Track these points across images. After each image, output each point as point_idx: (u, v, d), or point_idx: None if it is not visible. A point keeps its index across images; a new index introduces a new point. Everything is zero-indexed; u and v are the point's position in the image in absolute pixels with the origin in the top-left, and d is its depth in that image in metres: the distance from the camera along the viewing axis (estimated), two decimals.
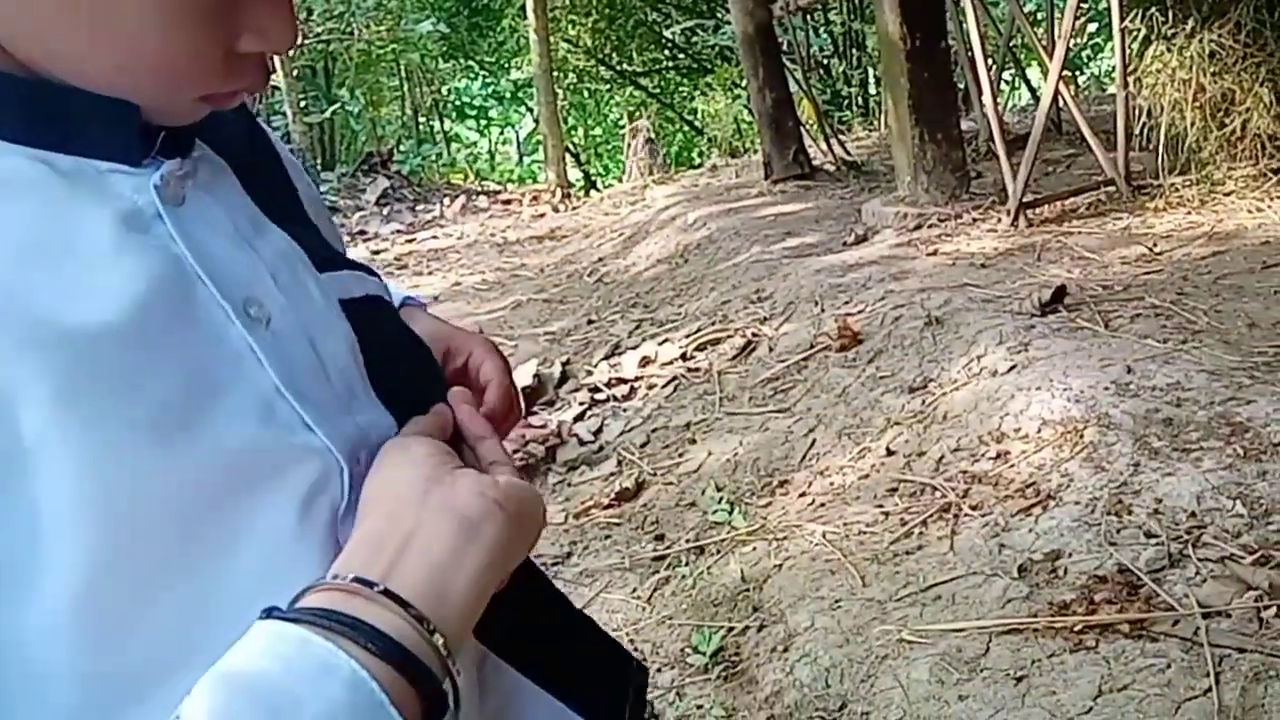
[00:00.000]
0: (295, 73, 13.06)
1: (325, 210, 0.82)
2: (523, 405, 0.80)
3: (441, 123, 20.38)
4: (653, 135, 12.47)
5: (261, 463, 0.55)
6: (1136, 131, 5.24)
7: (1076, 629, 2.02)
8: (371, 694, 0.46)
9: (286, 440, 0.56)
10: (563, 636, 0.81)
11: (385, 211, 12.24)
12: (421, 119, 19.33)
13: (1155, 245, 4.26)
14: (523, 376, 4.62)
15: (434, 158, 16.60)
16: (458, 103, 21.11)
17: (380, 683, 0.47)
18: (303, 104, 13.14)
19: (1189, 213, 4.68)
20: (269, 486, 0.54)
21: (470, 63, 19.27)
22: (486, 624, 0.58)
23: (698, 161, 13.27)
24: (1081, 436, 2.66)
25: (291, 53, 13.04)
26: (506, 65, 19.38)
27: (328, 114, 13.87)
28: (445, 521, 0.54)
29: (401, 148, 15.72)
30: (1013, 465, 2.71)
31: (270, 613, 0.49)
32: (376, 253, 9.62)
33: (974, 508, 2.60)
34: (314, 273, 0.66)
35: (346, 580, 0.50)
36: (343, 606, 0.49)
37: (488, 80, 20.61)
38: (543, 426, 4.15)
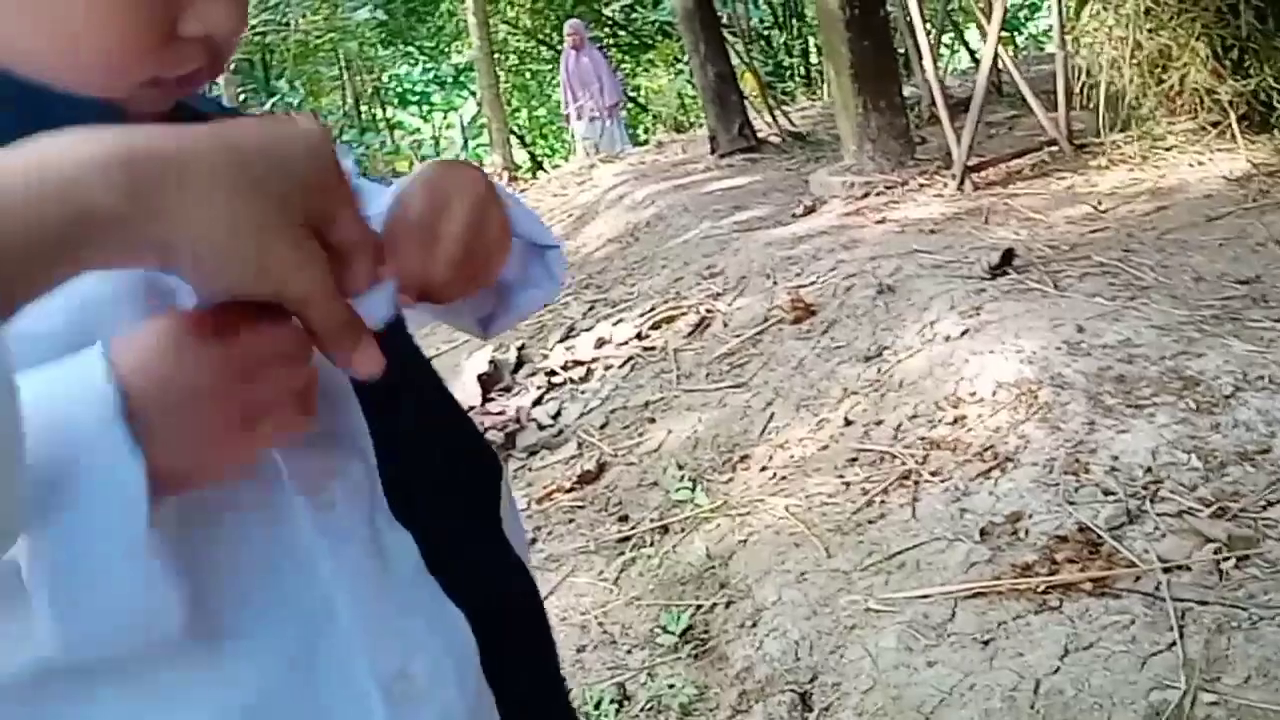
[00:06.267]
0: (232, 66, 12.81)
1: None
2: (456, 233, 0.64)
3: (384, 110, 20.11)
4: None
5: None
6: (1076, 90, 5.28)
7: (1040, 590, 2.04)
8: None
9: None
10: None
11: None
12: (363, 107, 19.05)
13: (1100, 203, 4.30)
14: (478, 364, 4.58)
15: (378, 146, 16.39)
16: (399, 89, 20.84)
17: None
18: (242, 97, 12.93)
19: (1131, 169, 4.73)
20: None
21: (409, 48, 19.02)
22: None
23: (643, 139, 13.21)
24: (1036, 397, 2.68)
25: None
26: (446, 50, 19.17)
27: (267, 106, 13.63)
28: None
29: (344, 137, 15.48)
30: (970, 429, 2.72)
31: None
32: None
33: (934, 473, 2.61)
34: None
35: None
36: None
37: (428, 65, 20.36)
38: (501, 413, 4.12)
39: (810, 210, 5.44)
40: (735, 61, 8.56)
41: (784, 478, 2.95)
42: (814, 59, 12.37)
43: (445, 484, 0.73)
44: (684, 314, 4.50)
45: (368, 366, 0.54)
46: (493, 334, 0.85)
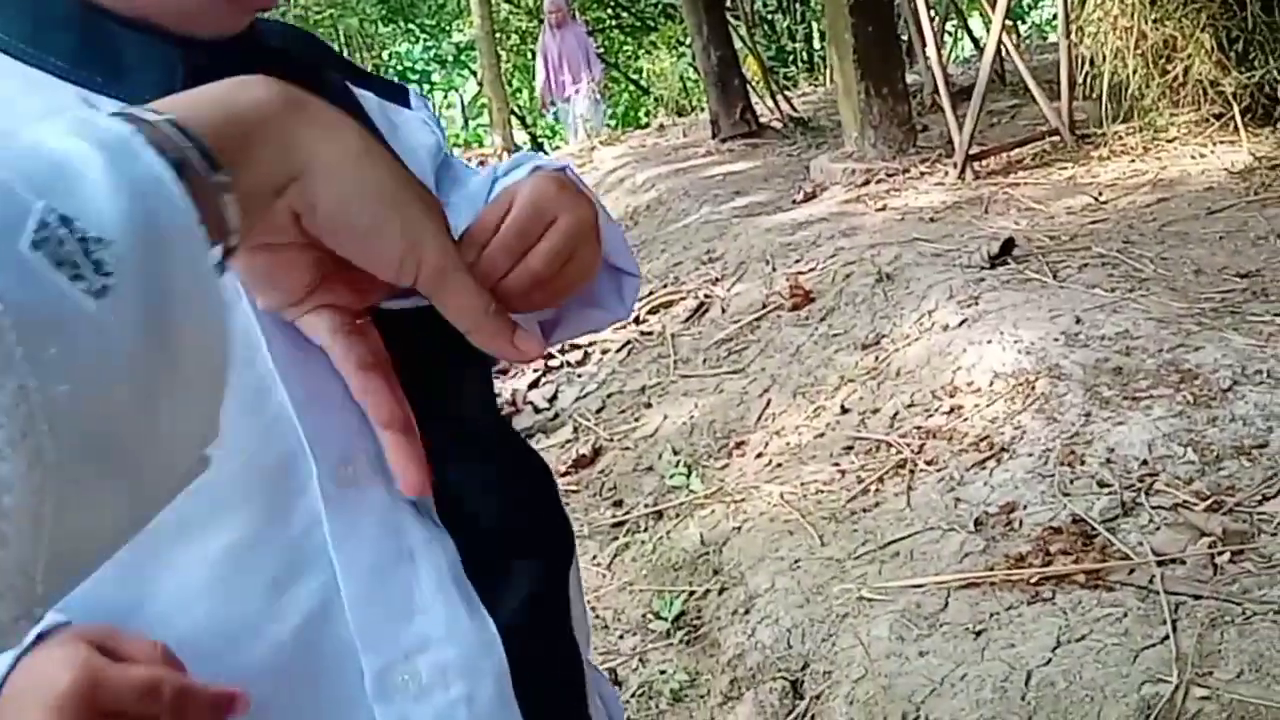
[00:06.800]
0: None
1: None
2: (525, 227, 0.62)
3: None
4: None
5: None
6: (1079, 80, 5.26)
7: (1033, 581, 2.04)
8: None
9: None
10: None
11: None
12: None
13: (1100, 194, 4.29)
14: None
15: None
16: (399, 67, 20.73)
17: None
18: None
19: (1133, 161, 4.71)
20: None
21: (410, 26, 18.93)
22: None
23: (644, 121, 13.16)
24: (1033, 388, 2.68)
25: None
26: (447, 28, 19.06)
27: None
28: None
29: None
30: (966, 419, 2.72)
31: None
32: None
33: (929, 463, 2.61)
34: None
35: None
36: None
37: (429, 44, 20.25)
38: (497, 395, 4.11)
39: (810, 196, 5.42)
40: (738, 45, 8.52)
41: (779, 465, 2.94)
42: (817, 44, 12.32)
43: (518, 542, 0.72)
44: (682, 299, 4.49)
45: (532, 351, 0.54)
46: (551, 343, 0.84)
